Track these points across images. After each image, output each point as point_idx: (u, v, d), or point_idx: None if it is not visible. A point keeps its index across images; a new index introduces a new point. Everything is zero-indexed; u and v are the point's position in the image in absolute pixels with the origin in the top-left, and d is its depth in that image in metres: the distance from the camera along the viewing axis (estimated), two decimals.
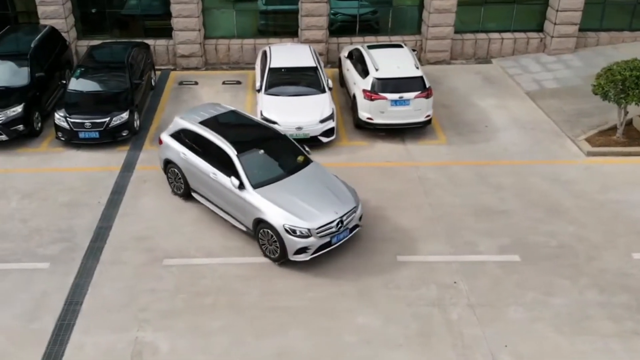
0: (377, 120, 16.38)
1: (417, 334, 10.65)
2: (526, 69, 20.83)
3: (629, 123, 16.79)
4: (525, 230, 13.17)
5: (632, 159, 15.79)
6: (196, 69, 21.19)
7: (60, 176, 14.95)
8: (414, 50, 18.91)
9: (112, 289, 11.56)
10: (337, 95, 18.83)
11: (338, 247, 12.31)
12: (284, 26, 21.66)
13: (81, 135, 15.86)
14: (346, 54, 18.91)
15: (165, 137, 14.19)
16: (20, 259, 12.31)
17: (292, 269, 12.03)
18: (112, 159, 15.66)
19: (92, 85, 16.85)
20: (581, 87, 19.03)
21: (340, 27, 21.78)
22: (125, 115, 15.98)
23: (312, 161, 13.31)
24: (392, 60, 17.02)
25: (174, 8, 20.53)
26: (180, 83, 20.05)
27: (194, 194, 13.78)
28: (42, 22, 20.23)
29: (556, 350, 10.38)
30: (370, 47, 18.13)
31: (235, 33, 21.57)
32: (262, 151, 13.05)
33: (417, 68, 16.75)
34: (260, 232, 12.15)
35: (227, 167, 12.68)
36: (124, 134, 16.11)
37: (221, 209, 13.08)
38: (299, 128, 15.73)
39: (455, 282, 11.74)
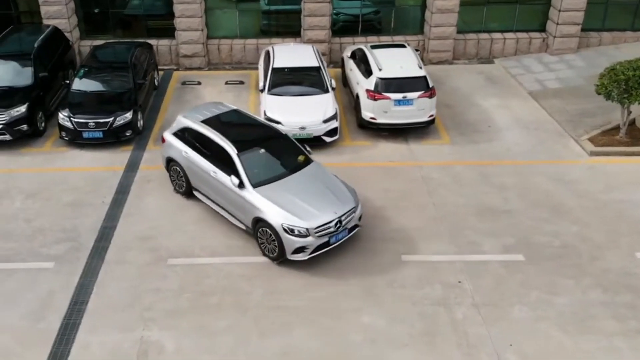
0: (381, 120, 16.39)
1: (422, 333, 10.67)
2: (529, 69, 20.84)
3: (632, 123, 16.80)
4: (529, 230, 13.19)
5: (635, 158, 15.80)
6: (199, 69, 21.22)
7: (64, 176, 14.97)
8: (416, 50, 18.92)
9: (117, 289, 11.59)
10: (340, 95, 18.85)
11: (342, 247, 12.34)
12: (287, 26, 21.68)
13: (85, 135, 15.89)
14: (349, 54, 18.91)
15: (168, 136, 14.23)
16: (25, 259, 12.33)
17: (296, 268, 12.04)
18: (115, 159, 15.69)
19: (95, 85, 16.88)
20: (584, 87, 19.05)
21: (342, 27, 21.78)
22: (128, 115, 16.02)
23: (312, 161, 13.33)
24: (396, 60, 17.03)
25: (177, 8, 20.55)
26: (183, 83, 20.08)
27: (195, 192, 13.82)
28: (45, 22, 20.26)
29: (561, 349, 10.41)
30: (373, 47, 18.15)
31: (238, 33, 21.59)
32: (262, 150, 13.08)
33: (421, 68, 16.75)
34: (259, 231, 12.17)
35: (227, 165, 12.71)
36: (128, 134, 16.14)
37: (221, 208, 13.11)
38: (303, 128, 15.75)
39: (459, 282, 11.76)
